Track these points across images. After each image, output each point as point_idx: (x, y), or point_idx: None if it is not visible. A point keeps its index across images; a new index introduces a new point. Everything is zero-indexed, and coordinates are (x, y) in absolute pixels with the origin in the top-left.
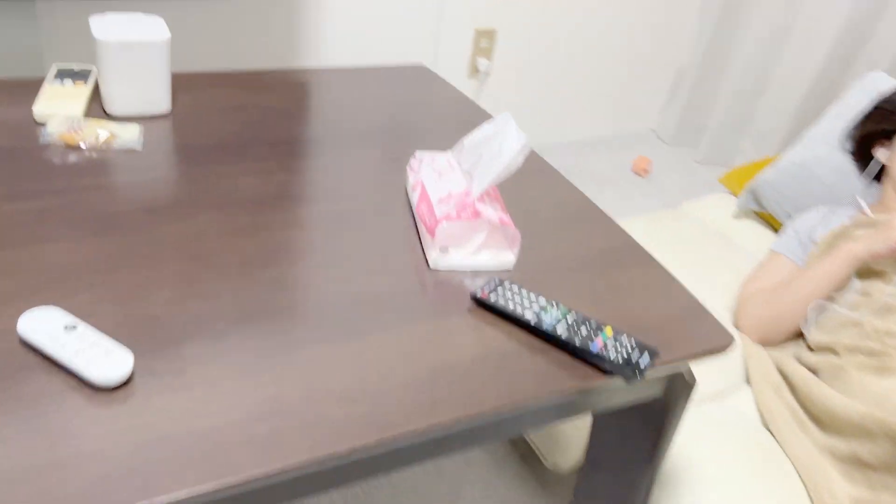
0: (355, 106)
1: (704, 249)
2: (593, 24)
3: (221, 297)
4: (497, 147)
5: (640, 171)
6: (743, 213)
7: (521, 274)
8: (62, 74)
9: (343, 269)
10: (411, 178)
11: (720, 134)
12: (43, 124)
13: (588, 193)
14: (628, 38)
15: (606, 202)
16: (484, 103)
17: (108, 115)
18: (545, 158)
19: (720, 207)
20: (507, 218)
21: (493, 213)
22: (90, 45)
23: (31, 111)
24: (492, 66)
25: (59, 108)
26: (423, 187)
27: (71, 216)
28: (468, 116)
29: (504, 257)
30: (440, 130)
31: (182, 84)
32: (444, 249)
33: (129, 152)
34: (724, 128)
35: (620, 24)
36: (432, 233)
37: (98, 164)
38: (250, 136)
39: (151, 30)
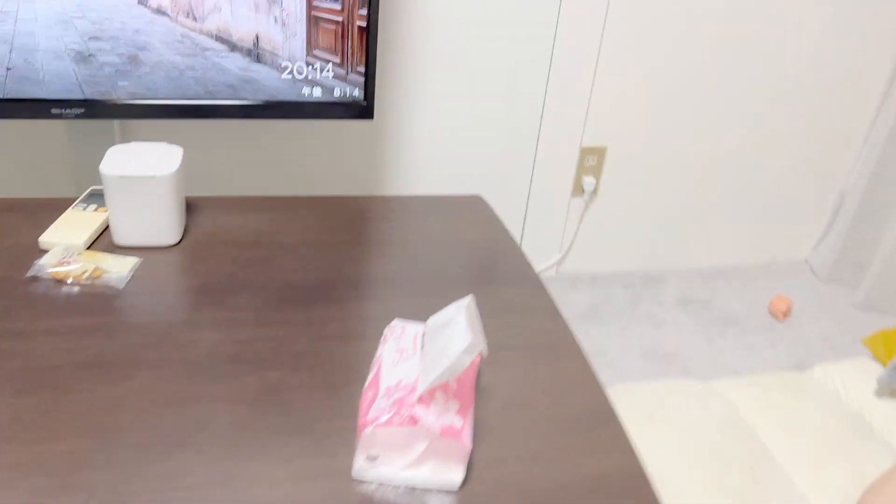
0: (381, 243)
1: (825, 433)
2: (728, 138)
3: (98, 491)
4: (446, 340)
5: (777, 314)
6: (887, 391)
7: (471, 498)
8: (92, 198)
9: (252, 466)
10: (377, 352)
11: (887, 273)
12: (46, 252)
13: (706, 336)
14: (775, 153)
15: (723, 350)
16: (589, 225)
17: (115, 245)
18: (662, 287)
19: (860, 378)
20: (458, 423)
21: (439, 417)
22: None
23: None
24: (600, 185)
25: (64, 237)
26: (380, 368)
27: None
28: (504, 267)
29: (448, 475)
30: (462, 281)
31: (208, 209)
32: (372, 458)
33: (108, 292)
34: (893, 266)
35: (764, 137)
36: (358, 435)
37: (67, 306)
38: (245, 277)
39: (162, 162)
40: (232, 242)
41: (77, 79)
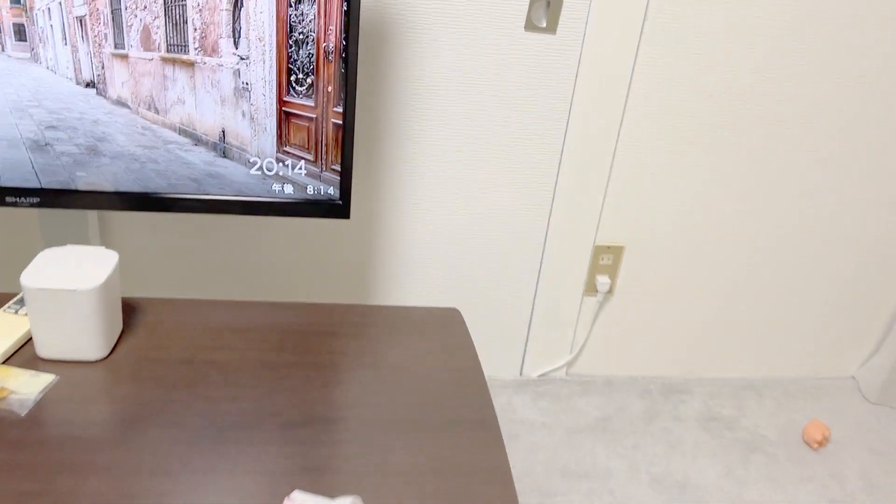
0: (329, 368)
1: None
2: (765, 238)
3: None
4: None
5: (811, 443)
6: None
7: None
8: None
9: None
10: None
11: None
12: None
13: (725, 462)
14: (821, 257)
15: (744, 481)
16: (604, 325)
17: (38, 356)
18: (683, 399)
19: None
20: None
21: None
22: None
23: None
24: (616, 285)
25: None
26: None
27: None
28: (461, 410)
29: None
30: (405, 427)
31: (151, 313)
32: None
33: (7, 417)
34: None
35: (808, 238)
36: None
37: None
38: (162, 407)
39: (90, 273)
40: (163, 360)
41: (33, 167)
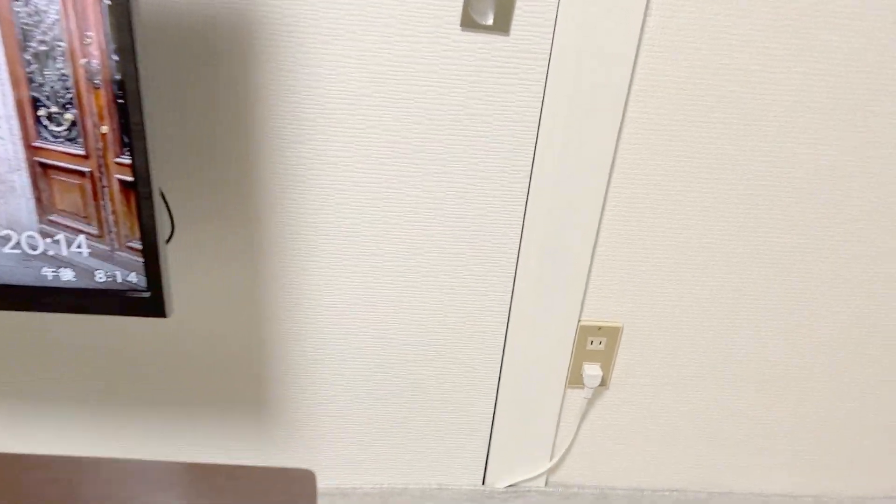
0: None
1: None
2: (801, 322)
3: None
4: None
5: None
6: None
7: None
8: None
9: None
10: None
11: None
12: None
13: None
14: (874, 348)
15: None
16: (594, 424)
17: None
18: None
19: None
20: None
21: None
22: None
23: None
24: (611, 376)
25: None
26: None
27: None
28: None
29: None
30: None
31: None
32: None
33: None
34: None
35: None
36: None
37: None
38: None
39: None
40: None
41: None
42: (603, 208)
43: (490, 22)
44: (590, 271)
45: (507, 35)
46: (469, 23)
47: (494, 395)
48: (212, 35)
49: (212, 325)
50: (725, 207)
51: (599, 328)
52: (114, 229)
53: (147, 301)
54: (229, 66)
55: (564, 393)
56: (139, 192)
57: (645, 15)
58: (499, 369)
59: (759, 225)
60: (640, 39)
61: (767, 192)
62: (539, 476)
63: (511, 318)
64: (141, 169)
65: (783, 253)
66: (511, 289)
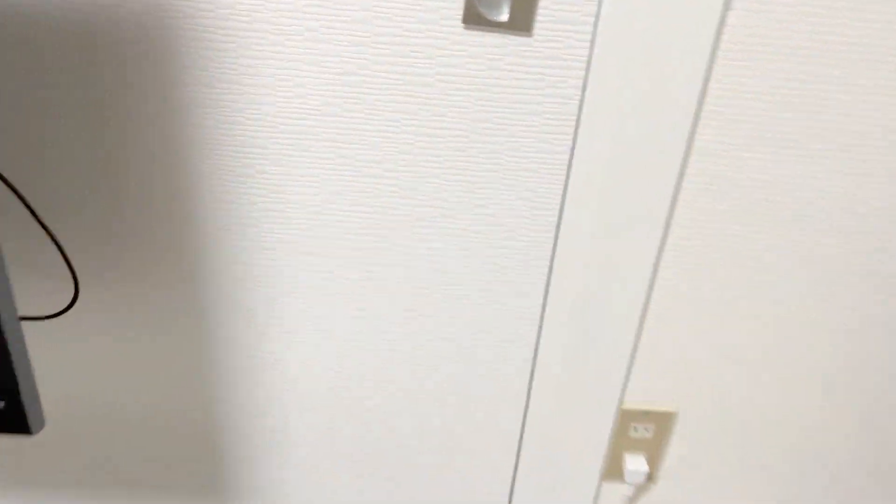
0: None
1: None
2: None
3: None
4: None
5: None
6: None
7: None
8: None
9: None
10: None
11: None
12: None
13: None
14: None
15: None
16: None
17: None
18: None
19: None
20: None
21: None
22: None
23: None
24: (659, 471)
25: None
26: None
27: None
28: None
29: None
30: None
31: None
32: None
33: None
34: None
35: None
36: None
37: None
38: None
39: None
40: None
41: None
42: (657, 265)
43: (504, 18)
44: (636, 343)
45: (530, 36)
46: (475, 19)
47: (509, 490)
48: (115, 32)
49: (155, 402)
50: (809, 272)
51: (646, 413)
52: None
53: (10, 418)
54: (141, 74)
55: (598, 489)
56: None
57: (726, 6)
58: (515, 460)
59: (843, 297)
60: (714, 47)
61: (846, 260)
62: None
63: (530, 401)
64: None
65: (868, 326)
66: (531, 364)
